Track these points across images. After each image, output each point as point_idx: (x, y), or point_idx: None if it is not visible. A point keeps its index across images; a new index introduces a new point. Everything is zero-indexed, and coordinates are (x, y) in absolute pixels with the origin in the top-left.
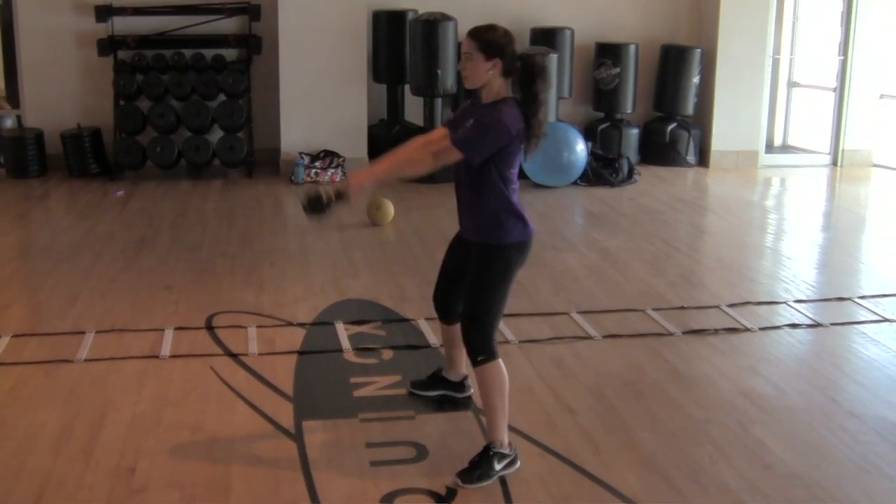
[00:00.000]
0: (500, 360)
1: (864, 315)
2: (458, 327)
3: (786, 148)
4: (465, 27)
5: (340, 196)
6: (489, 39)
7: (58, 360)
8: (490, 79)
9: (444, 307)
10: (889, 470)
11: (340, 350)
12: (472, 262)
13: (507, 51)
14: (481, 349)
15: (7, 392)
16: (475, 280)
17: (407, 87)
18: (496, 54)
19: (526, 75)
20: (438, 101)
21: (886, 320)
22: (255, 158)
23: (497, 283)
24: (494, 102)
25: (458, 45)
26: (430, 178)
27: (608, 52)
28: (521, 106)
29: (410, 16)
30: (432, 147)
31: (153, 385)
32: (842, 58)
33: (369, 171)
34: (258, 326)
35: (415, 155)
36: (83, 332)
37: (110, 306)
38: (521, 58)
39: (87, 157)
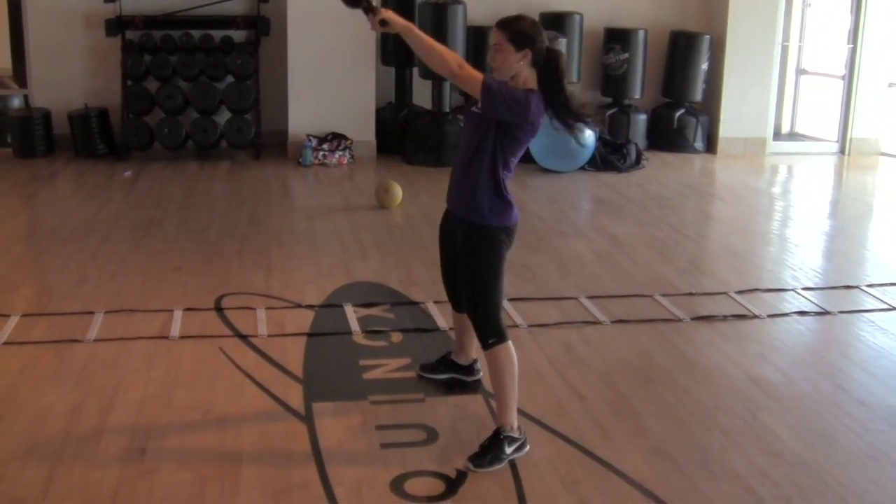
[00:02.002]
0: (510, 343)
1: (871, 303)
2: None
3: (793, 136)
4: (474, 11)
5: (371, 8)
6: (519, 30)
7: (67, 339)
8: (520, 69)
9: (453, 296)
10: None
11: (349, 332)
12: (459, 244)
13: (537, 41)
14: (491, 332)
15: (17, 372)
16: (467, 267)
17: (415, 70)
18: (526, 45)
19: (549, 70)
20: (446, 85)
21: (894, 308)
22: (263, 140)
23: (488, 266)
24: (527, 91)
25: (468, 29)
26: (439, 161)
27: (617, 38)
28: (547, 98)
29: None
30: (465, 65)
31: (163, 366)
32: (851, 46)
33: (405, 21)
34: (267, 308)
35: (447, 53)
36: (92, 313)
37: (119, 287)
38: (549, 51)
39: (95, 138)
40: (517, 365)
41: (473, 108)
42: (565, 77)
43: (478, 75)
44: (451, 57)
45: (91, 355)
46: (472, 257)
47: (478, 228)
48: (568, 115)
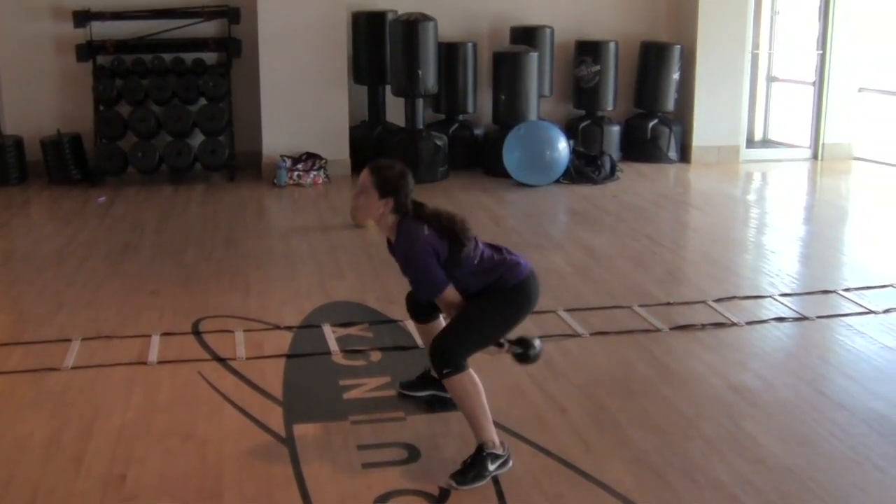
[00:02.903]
0: (471, 370)
1: (849, 307)
2: (433, 326)
3: (766, 142)
4: (445, 27)
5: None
6: (386, 177)
7: (44, 368)
8: (382, 215)
9: (415, 308)
10: (879, 461)
11: (329, 352)
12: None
13: (400, 193)
14: (445, 362)
15: None
16: (474, 305)
17: (388, 88)
18: (390, 193)
19: (448, 232)
20: (420, 102)
21: (871, 312)
22: (237, 162)
23: (492, 315)
24: (398, 237)
25: (439, 46)
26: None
27: (588, 50)
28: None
29: (390, 16)
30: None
31: (141, 392)
32: (820, 52)
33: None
34: (245, 330)
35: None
36: (69, 340)
37: (96, 313)
38: (442, 219)
39: (68, 164)
40: (481, 386)
41: None
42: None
43: (441, 300)
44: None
45: (69, 383)
46: (482, 304)
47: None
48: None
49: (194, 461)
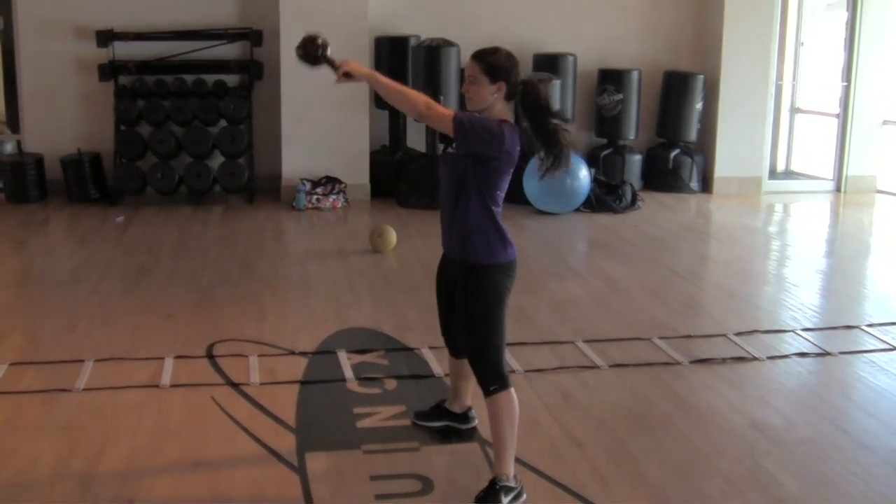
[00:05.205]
0: (512, 390)
1: (872, 343)
2: (465, 361)
3: (789, 174)
4: (467, 53)
5: (332, 62)
6: (494, 62)
7: (56, 389)
8: (493, 102)
9: (451, 342)
10: None
11: (343, 380)
12: (458, 288)
13: (511, 74)
14: (493, 379)
15: (3, 422)
16: (466, 310)
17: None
18: (501, 77)
19: (530, 103)
20: None
21: (895, 349)
22: (256, 185)
23: (487, 309)
24: (499, 121)
25: (461, 72)
26: (434, 204)
27: (611, 79)
28: (532, 133)
29: (413, 42)
30: (433, 105)
31: (153, 416)
32: (845, 84)
33: (370, 69)
34: (259, 355)
35: (414, 95)
36: (82, 361)
37: (110, 334)
38: (524, 83)
39: (87, 183)
40: (518, 412)
41: (449, 150)
42: (550, 107)
43: (448, 112)
44: (418, 99)
45: (80, 405)
46: (471, 300)
47: (475, 269)
48: (554, 147)
49: (204, 489)
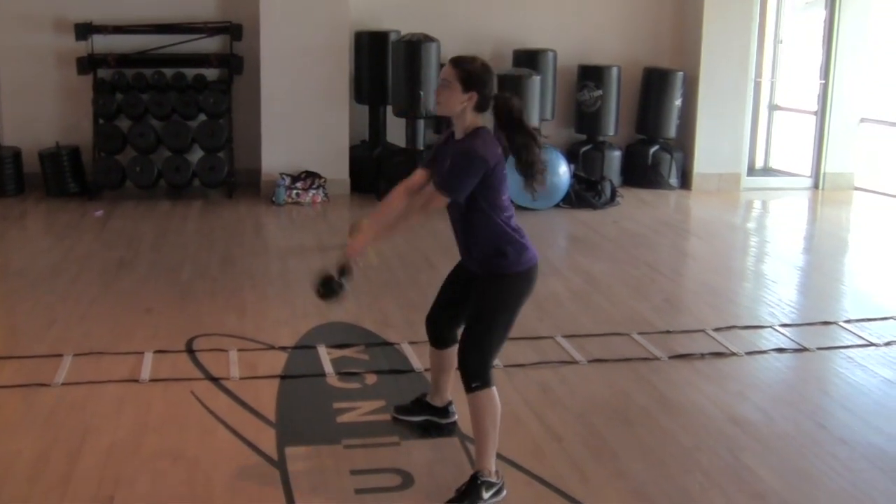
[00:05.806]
0: (494, 389)
1: (849, 339)
2: (448, 353)
3: (768, 171)
4: (447, 49)
5: (344, 271)
6: (470, 70)
7: (35, 383)
8: (463, 110)
9: (437, 333)
10: (880, 498)
11: (323, 374)
12: (477, 291)
13: (486, 86)
14: (477, 376)
15: None
16: (480, 307)
17: (389, 108)
18: (474, 87)
19: (504, 118)
20: (421, 123)
21: (872, 344)
22: (236, 179)
23: (502, 311)
24: (466, 136)
25: (441, 67)
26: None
27: (591, 75)
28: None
29: (393, 37)
30: (415, 192)
31: (132, 410)
32: (823, 82)
33: (363, 236)
34: (239, 350)
35: (400, 207)
36: (61, 356)
37: (89, 329)
38: (496, 98)
39: (66, 177)
40: (500, 410)
41: None
42: (524, 123)
43: (437, 197)
44: (414, 213)
45: (59, 400)
46: (489, 301)
47: (497, 280)
48: (529, 168)
49: (184, 483)
